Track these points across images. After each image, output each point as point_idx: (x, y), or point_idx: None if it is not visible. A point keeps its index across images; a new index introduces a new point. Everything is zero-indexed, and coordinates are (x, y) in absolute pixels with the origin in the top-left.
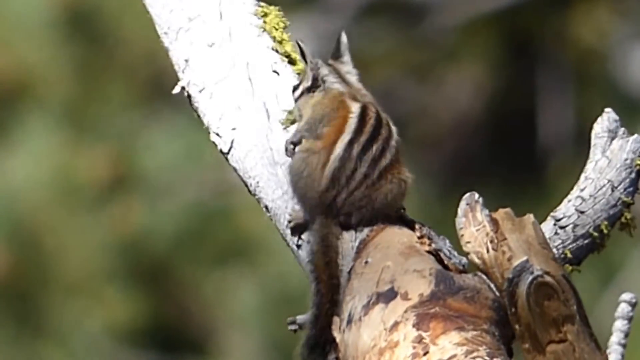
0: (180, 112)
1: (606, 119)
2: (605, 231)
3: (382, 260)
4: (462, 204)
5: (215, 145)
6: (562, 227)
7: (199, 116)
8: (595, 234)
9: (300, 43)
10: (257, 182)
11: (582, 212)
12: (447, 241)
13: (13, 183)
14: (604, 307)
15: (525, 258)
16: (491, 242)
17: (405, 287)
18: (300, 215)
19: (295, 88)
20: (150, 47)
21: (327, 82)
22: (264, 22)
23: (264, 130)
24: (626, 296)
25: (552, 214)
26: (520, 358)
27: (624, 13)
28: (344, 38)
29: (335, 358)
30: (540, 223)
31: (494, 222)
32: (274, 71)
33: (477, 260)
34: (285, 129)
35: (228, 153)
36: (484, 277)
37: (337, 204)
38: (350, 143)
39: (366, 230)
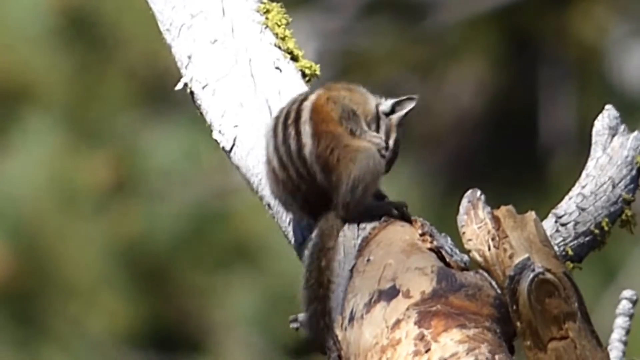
0: (180, 114)
1: (607, 116)
2: (606, 228)
3: (384, 258)
4: (464, 202)
5: (218, 144)
6: (563, 225)
7: (201, 113)
8: (596, 231)
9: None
10: (260, 180)
11: (583, 209)
12: (449, 239)
13: (13, 186)
14: (605, 304)
15: (526, 255)
16: (493, 239)
17: (407, 284)
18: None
19: None
20: (150, 49)
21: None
22: (266, 18)
23: (267, 128)
24: (627, 293)
25: (553, 211)
26: (522, 355)
27: (623, 10)
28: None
29: (337, 356)
30: (542, 220)
31: (496, 220)
32: (277, 68)
33: (478, 258)
34: None
35: (230, 151)
36: (486, 274)
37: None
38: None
39: (368, 228)
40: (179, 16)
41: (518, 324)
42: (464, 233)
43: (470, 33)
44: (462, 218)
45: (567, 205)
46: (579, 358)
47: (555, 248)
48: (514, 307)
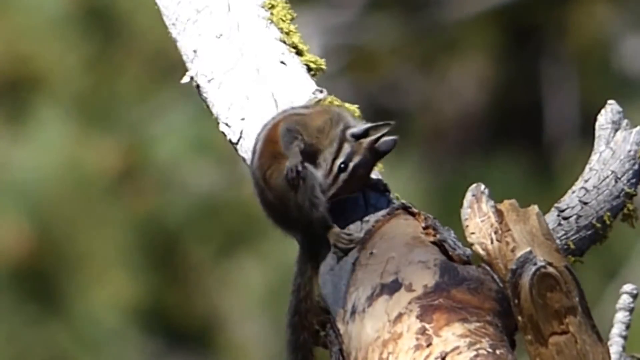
0: (190, 102)
1: (610, 111)
2: (608, 222)
3: (387, 251)
4: (468, 195)
5: (225, 135)
6: (565, 218)
7: (207, 106)
8: (598, 225)
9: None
10: None
11: (585, 203)
12: (452, 232)
13: (28, 171)
14: (607, 298)
15: (528, 249)
16: (495, 233)
17: (410, 278)
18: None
19: None
20: (161, 38)
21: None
22: (271, 14)
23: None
24: (627, 287)
25: (555, 205)
26: (523, 349)
27: (625, 4)
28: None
29: (339, 349)
30: (544, 214)
31: (499, 213)
32: (282, 62)
33: (481, 252)
34: None
35: (237, 143)
36: (488, 268)
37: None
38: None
39: (372, 221)
40: (185, 11)
41: (519, 318)
42: (467, 226)
43: (474, 28)
44: (465, 211)
45: (570, 199)
46: (580, 353)
47: (557, 242)
48: (516, 301)
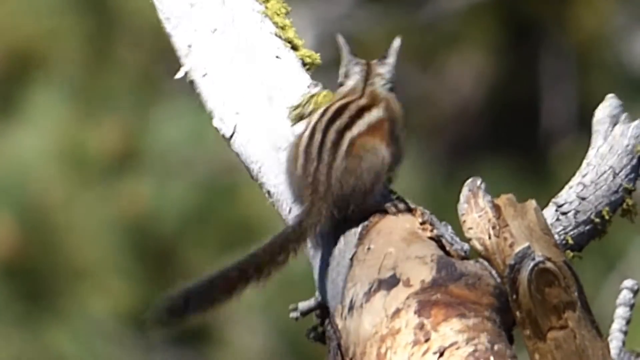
0: (189, 90)
1: (608, 105)
2: (606, 217)
3: (385, 246)
4: (465, 190)
5: (218, 131)
6: (563, 213)
7: (202, 102)
8: (597, 220)
9: (340, 39)
10: (260, 168)
11: (583, 199)
12: (449, 227)
13: (21, 157)
14: (606, 293)
15: (526, 244)
16: (493, 228)
17: (407, 273)
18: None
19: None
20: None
21: (347, 79)
22: (266, 7)
23: (267, 115)
24: (628, 283)
25: (553, 200)
26: (521, 345)
27: None
28: (396, 42)
29: (337, 344)
30: (542, 209)
31: (496, 208)
32: (277, 57)
33: (479, 247)
34: (292, 125)
35: (231, 138)
36: (486, 263)
37: (320, 179)
38: (316, 124)
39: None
40: (179, 5)
41: (518, 313)
42: (464, 222)
43: (471, 21)
44: (462, 206)
45: (568, 194)
46: (579, 348)
47: (556, 237)
48: (514, 296)
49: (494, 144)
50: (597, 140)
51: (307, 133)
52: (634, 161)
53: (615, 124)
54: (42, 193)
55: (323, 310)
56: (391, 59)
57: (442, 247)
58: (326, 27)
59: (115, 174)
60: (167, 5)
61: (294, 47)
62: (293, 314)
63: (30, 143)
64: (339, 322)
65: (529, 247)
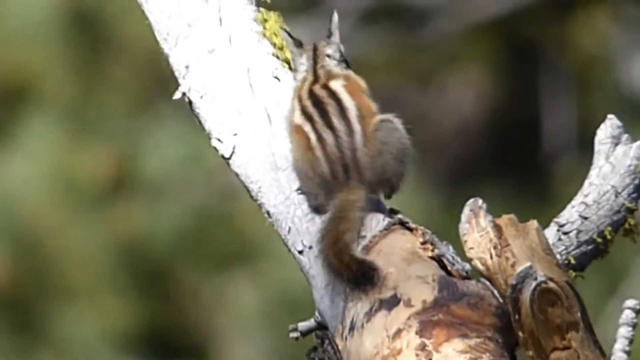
0: (183, 113)
1: (609, 125)
2: (608, 237)
3: (385, 266)
4: (466, 210)
5: (217, 151)
6: (565, 233)
7: (200, 122)
8: (599, 240)
9: (285, 30)
10: (259, 188)
11: (585, 218)
12: (451, 247)
13: (14, 184)
14: (609, 313)
15: (528, 264)
16: (494, 248)
17: (409, 293)
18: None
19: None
20: (153, 47)
21: (298, 71)
22: (264, 28)
23: (266, 135)
24: (630, 303)
25: (555, 219)
26: None
27: (624, 19)
28: (334, 17)
29: None
30: (544, 229)
31: (498, 228)
32: (275, 77)
33: (480, 267)
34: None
35: (230, 158)
36: (488, 283)
37: (353, 164)
38: (311, 116)
39: (369, 236)
40: (176, 25)
41: (520, 333)
42: (465, 241)
43: (471, 41)
44: (463, 226)
45: (570, 214)
46: None
47: (558, 257)
48: (516, 316)
49: (495, 164)
50: (599, 160)
51: (308, 130)
52: (637, 181)
53: (616, 144)
54: (35, 220)
55: (323, 330)
56: (335, 37)
57: (443, 267)
58: None
59: (109, 198)
60: (165, 25)
61: (292, 68)
62: (293, 334)
63: (23, 170)
64: (340, 343)
65: (530, 267)
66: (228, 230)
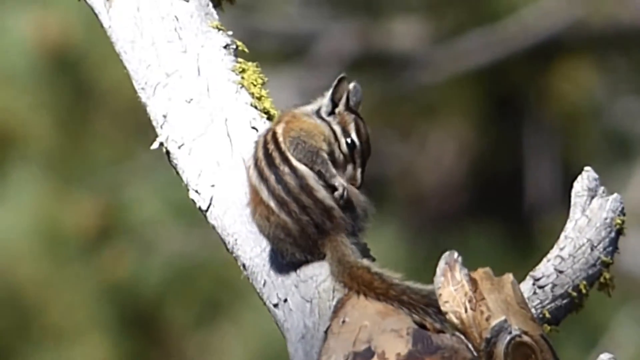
0: (166, 162)
1: (585, 177)
2: (584, 291)
3: (360, 319)
4: (441, 263)
5: (194, 203)
6: (540, 287)
7: (177, 173)
8: (574, 293)
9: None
10: (236, 240)
11: (561, 272)
12: None
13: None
14: None
15: (503, 318)
16: (469, 301)
17: (383, 346)
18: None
19: None
20: (135, 98)
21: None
22: (242, 78)
23: (243, 187)
24: (604, 357)
25: (531, 273)
26: None
27: (606, 70)
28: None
29: None
30: (520, 282)
31: (473, 282)
32: (253, 127)
33: (455, 320)
34: None
35: (207, 210)
36: (462, 337)
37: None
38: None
39: (344, 290)
40: (154, 75)
41: None
42: (440, 295)
43: (453, 92)
44: (438, 279)
45: (545, 268)
46: None
47: (533, 310)
48: None
49: (477, 216)
50: (575, 212)
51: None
52: (613, 234)
53: (593, 197)
54: (18, 269)
55: None
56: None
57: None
58: (306, 99)
59: (93, 248)
60: (143, 74)
61: (270, 118)
62: None
63: (8, 220)
64: None
65: (505, 321)
66: (213, 279)
